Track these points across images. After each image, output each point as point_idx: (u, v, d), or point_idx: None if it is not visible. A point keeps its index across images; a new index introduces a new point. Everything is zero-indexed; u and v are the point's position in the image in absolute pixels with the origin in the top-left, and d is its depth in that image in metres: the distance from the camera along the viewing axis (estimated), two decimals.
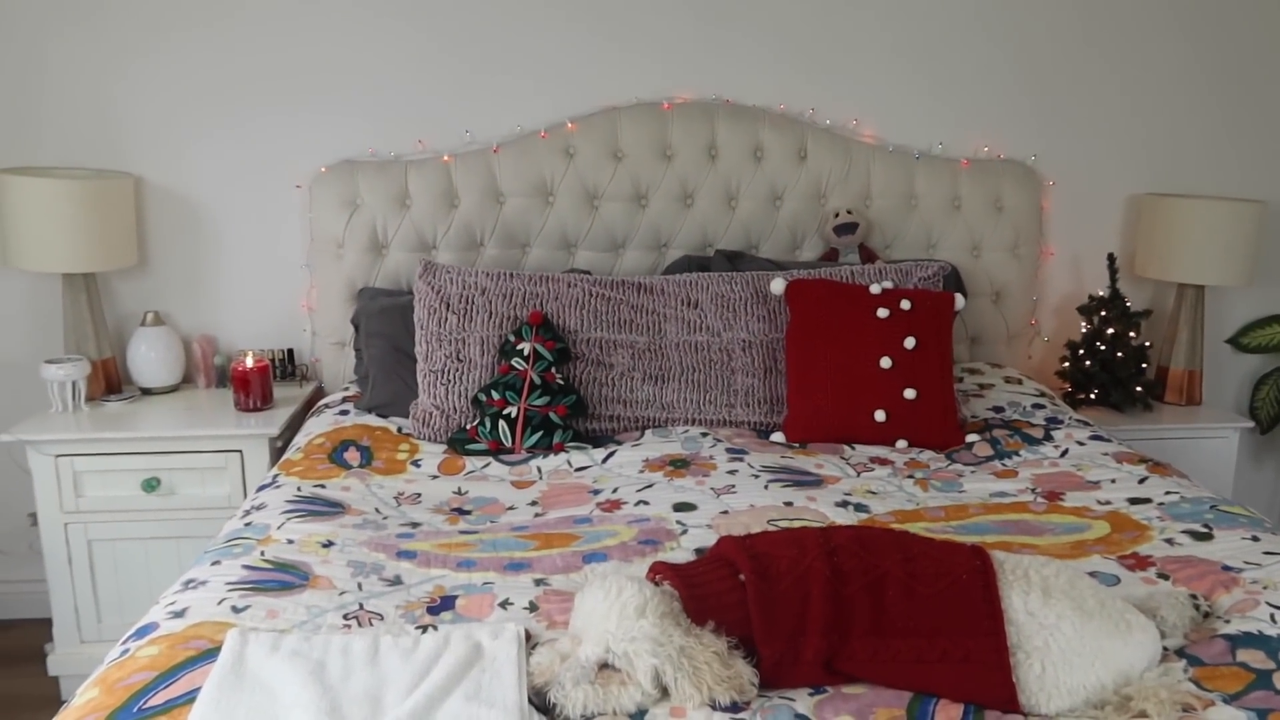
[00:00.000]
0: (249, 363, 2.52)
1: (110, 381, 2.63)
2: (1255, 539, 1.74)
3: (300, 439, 2.27)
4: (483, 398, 2.23)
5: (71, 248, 2.46)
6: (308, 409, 2.62)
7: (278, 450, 2.43)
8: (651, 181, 2.72)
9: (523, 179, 2.67)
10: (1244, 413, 3.15)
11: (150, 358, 2.62)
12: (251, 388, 2.51)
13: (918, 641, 1.31)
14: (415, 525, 1.82)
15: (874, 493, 1.99)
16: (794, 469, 2.09)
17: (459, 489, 2.02)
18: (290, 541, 1.69)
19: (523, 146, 2.68)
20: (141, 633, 1.38)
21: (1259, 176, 3.01)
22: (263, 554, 1.63)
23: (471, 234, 2.69)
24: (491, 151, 2.68)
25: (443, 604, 1.48)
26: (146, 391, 2.65)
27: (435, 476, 2.09)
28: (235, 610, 1.43)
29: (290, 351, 2.77)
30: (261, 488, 2.00)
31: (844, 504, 1.90)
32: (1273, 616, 1.43)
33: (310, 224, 2.69)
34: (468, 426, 2.23)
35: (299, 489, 1.95)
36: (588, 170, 2.69)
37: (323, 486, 1.98)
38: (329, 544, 1.68)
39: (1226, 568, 1.61)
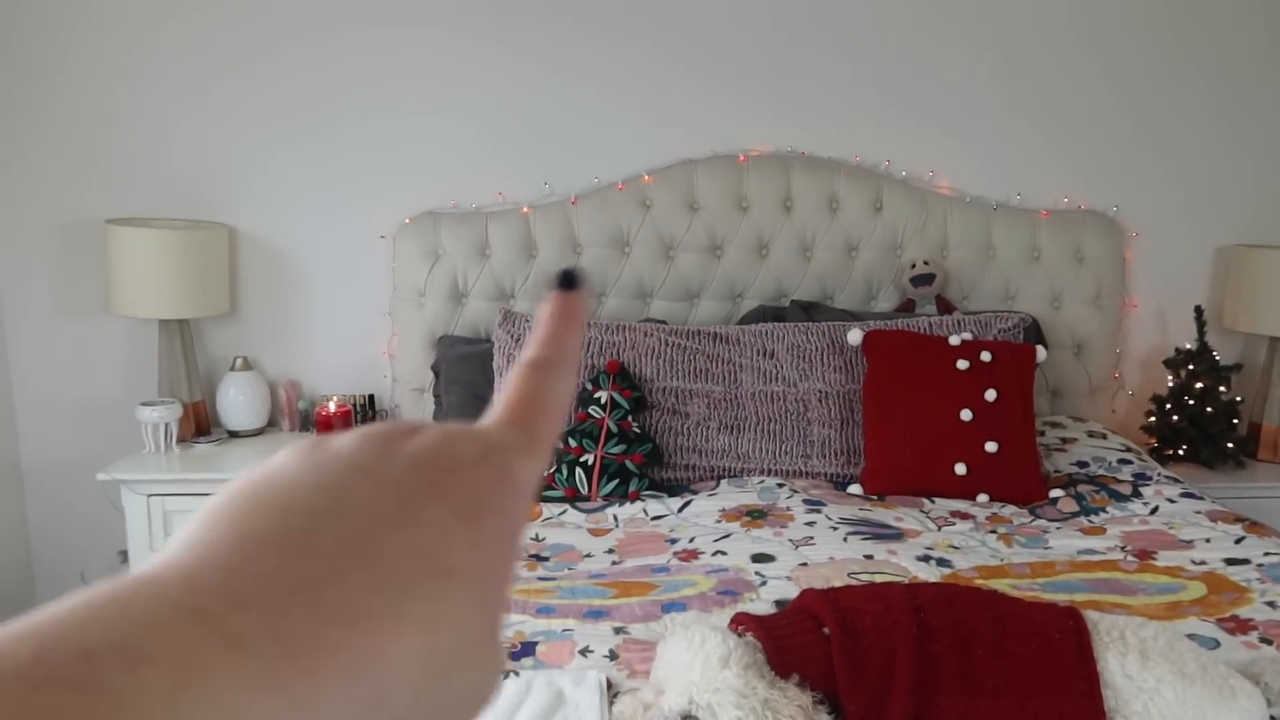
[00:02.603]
0: (332, 408, 2.59)
1: (200, 424, 2.72)
2: None
3: None
4: (559, 445, 2.25)
5: (169, 295, 2.56)
6: None
7: None
8: (727, 232, 2.74)
9: (600, 230, 2.72)
10: None
11: (239, 401, 2.70)
12: (334, 432, 2.57)
13: (1009, 702, 1.27)
14: None
15: (956, 547, 1.95)
16: (873, 521, 2.06)
17: (536, 535, 2.03)
18: None
19: (600, 198, 2.73)
20: None
21: None
22: None
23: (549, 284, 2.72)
24: (570, 203, 2.73)
25: (523, 650, 1.49)
26: (233, 434, 2.73)
27: None
28: None
29: (371, 397, 2.83)
30: None
31: (925, 558, 1.87)
32: None
33: (393, 274, 2.77)
34: (544, 473, 2.25)
35: None
36: (664, 221, 2.72)
37: None
38: None
39: None
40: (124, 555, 2.58)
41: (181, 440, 2.65)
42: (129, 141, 2.74)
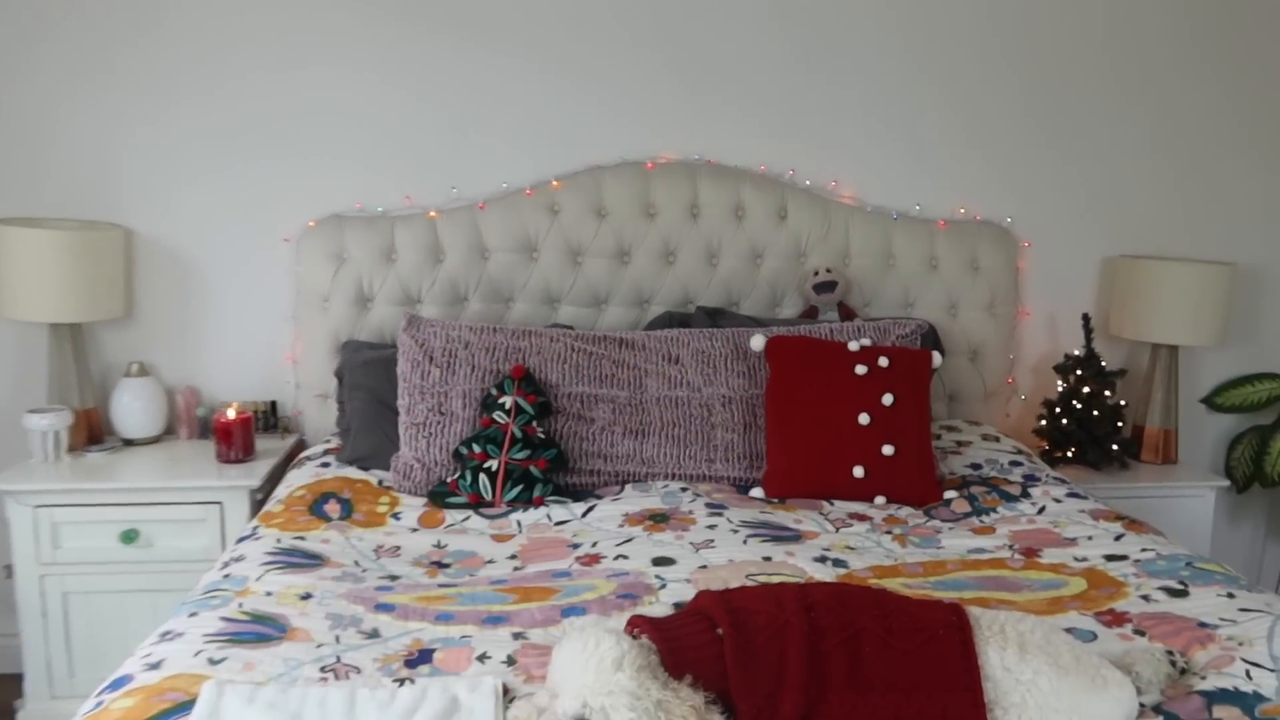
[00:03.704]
0: (231, 414, 2.52)
1: (93, 432, 2.63)
2: (1231, 595, 1.76)
3: (281, 491, 2.27)
4: (464, 451, 2.23)
5: (60, 298, 2.47)
6: (289, 461, 2.61)
7: (258, 502, 2.42)
8: (634, 239, 2.76)
9: (508, 235, 2.71)
10: (1220, 472, 3.18)
11: (134, 408, 2.62)
12: (233, 439, 2.51)
13: (895, 697, 1.31)
14: (394, 578, 1.82)
15: (852, 548, 2.00)
16: (773, 524, 2.10)
17: (438, 542, 2.02)
18: (269, 594, 1.68)
19: (508, 203, 2.73)
20: (116, 684, 1.37)
21: (1229, 239, 3.09)
22: (240, 606, 1.62)
23: (456, 289, 2.72)
24: (477, 208, 2.72)
25: (420, 657, 1.48)
26: (129, 442, 2.65)
27: (415, 529, 2.09)
28: (212, 662, 1.42)
29: (273, 404, 2.77)
30: (241, 539, 1.99)
31: (822, 559, 1.91)
32: (1248, 673, 1.44)
33: (297, 277, 2.72)
34: (448, 480, 2.24)
35: (279, 541, 1.95)
36: (572, 227, 2.73)
37: (302, 539, 1.97)
38: (308, 596, 1.67)
39: (1202, 624, 1.63)
40: (8, 570, 2.47)
41: (73, 449, 2.56)
42: (18, 139, 2.63)
